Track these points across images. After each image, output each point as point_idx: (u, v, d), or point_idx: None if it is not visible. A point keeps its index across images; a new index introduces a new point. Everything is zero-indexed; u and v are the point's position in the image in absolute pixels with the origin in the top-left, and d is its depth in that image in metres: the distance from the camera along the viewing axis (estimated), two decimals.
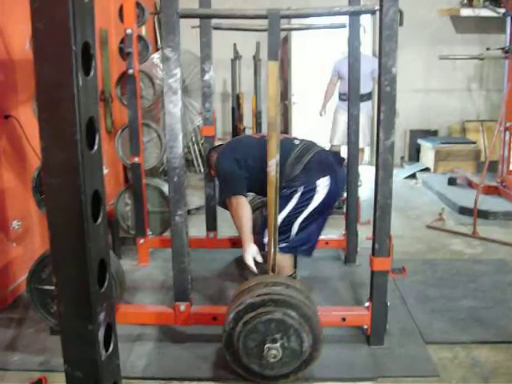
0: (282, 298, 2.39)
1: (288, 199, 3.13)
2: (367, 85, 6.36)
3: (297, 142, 3.33)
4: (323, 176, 3.17)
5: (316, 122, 7.22)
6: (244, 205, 3.19)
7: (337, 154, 3.58)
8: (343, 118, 6.66)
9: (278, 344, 2.37)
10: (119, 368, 1.04)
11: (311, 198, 3.15)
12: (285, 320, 2.36)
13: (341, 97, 6.72)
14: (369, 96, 6.46)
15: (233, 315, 2.41)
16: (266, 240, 3.02)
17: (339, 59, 6.72)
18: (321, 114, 6.94)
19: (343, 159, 3.46)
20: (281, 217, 3.09)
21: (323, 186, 3.16)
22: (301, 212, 3.15)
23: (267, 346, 2.36)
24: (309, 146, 3.31)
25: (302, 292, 2.50)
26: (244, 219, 3.17)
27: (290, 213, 3.13)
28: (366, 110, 6.33)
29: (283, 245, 3.13)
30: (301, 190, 3.13)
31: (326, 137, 6.79)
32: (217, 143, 4.72)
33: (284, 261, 3.18)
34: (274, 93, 2.57)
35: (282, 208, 3.09)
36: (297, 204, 3.14)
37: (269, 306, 2.38)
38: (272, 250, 2.75)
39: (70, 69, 0.83)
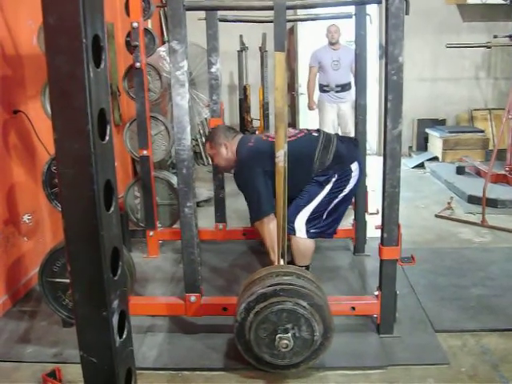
0: (293, 288, 2.40)
1: (322, 186, 3.21)
2: (348, 75, 6.43)
3: (316, 134, 3.39)
4: (352, 161, 3.27)
5: None
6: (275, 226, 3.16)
7: (351, 138, 3.63)
8: (329, 110, 6.66)
9: (289, 334, 2.37)
10: (133, 354, 1.06)
11: (346, 183, 3.24)
12: (296, 310, 2.37)
13: (323, 88, 6.67)
14: (350, 85, 6.46)
15: (244, 305, 2.42)
16: (295, 226, 3.14)
17: (319, 48, 6.68)
18: (312, 108, 6.89)
19: (357, 142, 3.51)
20: (314, 203, 3.19)
21: (354, 170, 3.27)
22: (334, 198, 3.23)
23: (279, 335, 2.37)
24: (327, 135, 3.37)
25: (312, 282, 2.51)
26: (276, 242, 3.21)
27: (323, 199, 3.21)
28: (350, 99, 6.34)
29: (313, 230, 3.22)
30: (335, 177, 3.20)
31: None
32: None
33: (309, 249, 3.26)
34: (280, 83, 2.58)
35: (315, 195, 3.20)
36: (331, 190, 3.21)
37: (280, 296, 2.39)
38: (281, 238, 2.76)
39: (81, 61, 0.85)
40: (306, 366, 2.50)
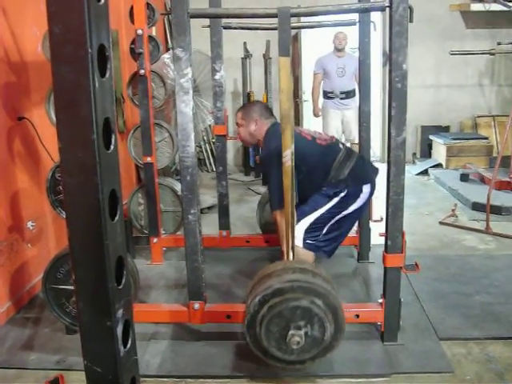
0: (310, 286, 2.38)
1: (329, 198, 3.21)
2: (353, 82, 6.49)
3: (341, 146, 3.42)
4: (366, 183, 3.28)
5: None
6: None
7: (373, 165, 3.60)
8: (334, 116, 6.68)
9: (302, 331, 2.36)
10: (137, 363, 1.06)
11: (353, 201, 3.23)
12: (311, 308, 2.35)
13: (327, 95, 6.70)
14: (354, 92, 6.49)
15: (259, 298, 2.39)
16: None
17: (324, 55, 6.70)
18: (318, 115, 6.89)
19: (377, 170, 3.49)
20: (317, 214, 3.19)
21: (365, 192, 3.26)
22: (337, 214, 3.22)
23: (291, 332, 2.35)
24: (349, 150, 3.40)
25: (328, 281, 2.50)
26: None
27: (326, 212, 3.20)
28: (354, 106, 6.35)
29: (309, 241, 3.18)
30: (344, 192, 3.20)
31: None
32: (229, 142, 4.73)
33: (306, 256, 3.21)
34: (286, 86, 2.57)
35: (320, 205, 3.20)
36: (336, 204, 3.20)
37: (296, 293, 2.37)
38: (289, 233, 2.73)
39: (86, 71, 0.85)
40: (312, 362, 2.48)
